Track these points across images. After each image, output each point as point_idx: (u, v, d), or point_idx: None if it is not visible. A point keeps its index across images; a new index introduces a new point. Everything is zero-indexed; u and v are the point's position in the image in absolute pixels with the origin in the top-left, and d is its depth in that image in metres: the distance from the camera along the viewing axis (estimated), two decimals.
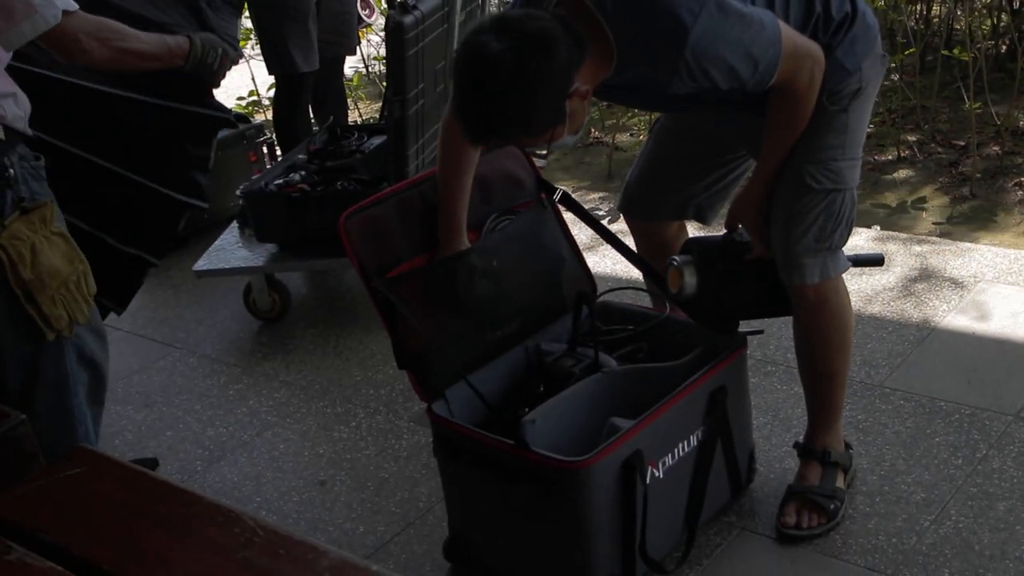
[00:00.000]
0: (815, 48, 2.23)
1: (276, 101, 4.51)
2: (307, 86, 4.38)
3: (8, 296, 2.22)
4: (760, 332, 2.68)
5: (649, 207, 2.74)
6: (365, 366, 3.51)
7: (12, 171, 2.20)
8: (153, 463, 2.99)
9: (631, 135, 5.23)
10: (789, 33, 2.18)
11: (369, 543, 2.68)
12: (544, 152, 2.35)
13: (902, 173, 4.44)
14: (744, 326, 2.60)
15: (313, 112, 4.70)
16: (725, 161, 2.64)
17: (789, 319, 2.54)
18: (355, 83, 6.03)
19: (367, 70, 6.48)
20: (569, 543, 2.27)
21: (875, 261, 2.80)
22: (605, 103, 4.92)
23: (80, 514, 1.83)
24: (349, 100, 5.89)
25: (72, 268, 2.28)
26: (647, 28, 2.09)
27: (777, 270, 2.43)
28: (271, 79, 4.61)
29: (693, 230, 2.87)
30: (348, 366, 3.53)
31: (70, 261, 2.28)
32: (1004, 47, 4.92)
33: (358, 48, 6.04)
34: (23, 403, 2.34)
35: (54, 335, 2.27)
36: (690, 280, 2.46)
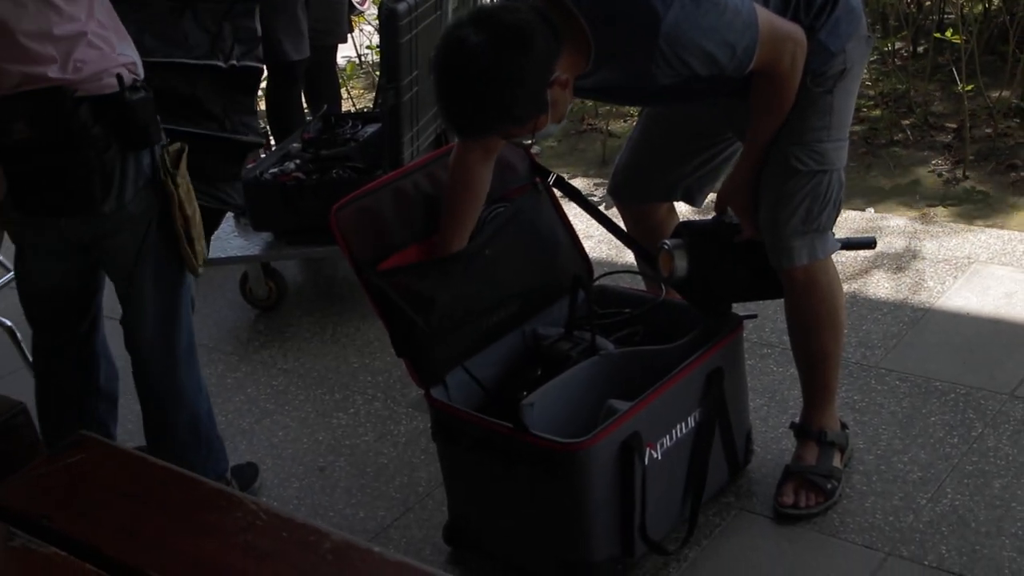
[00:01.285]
0: (796, 30, 2.24)
1: (269, 91, 4.50)
2: (299, 75, 4.38)
3: (168, 233, 2.38)
4: (754, 317, 2.70)
5: (638, 190, 2.75)
6: (362, 353, 3.52)
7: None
8: (254, 470, 2.93)
9: (625, 121, 5.23)
10: (767, 16, 2.19)
11: (369, 528, 2.69)
12: (529, 142, 2.37)
13: (895, 156, 4.45)
14: (738, 310, 2.61)
15: (307, 101, 4.69)
16: (713, 143, 2.65)
17: (783, 301, 2.56)
18: (349, 72, 6.02)
19: (360, 59, 6.47)
20: (569, 525, 2.28)
21: (867, 244, 2.81)
22: None
23: (83, 500, 1.84)
24: (343, 89, 5.90)
25: (194, 207, 2.43)
26: (620, 19, 2.12)
27: (767, 252, 2.45)
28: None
29: (684, 213, 2.89)
30: (345, 353, 3.54)
31: (191, 200, 2.42)
32: (995, 30, 4.92)
33: (351, 37, 6.05)
34: (165, 352, 2.52)
35: (197, 273, 2.46)
36: (680, 263, 2.47)
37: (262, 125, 4.62)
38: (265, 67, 4.46)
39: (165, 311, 2.48)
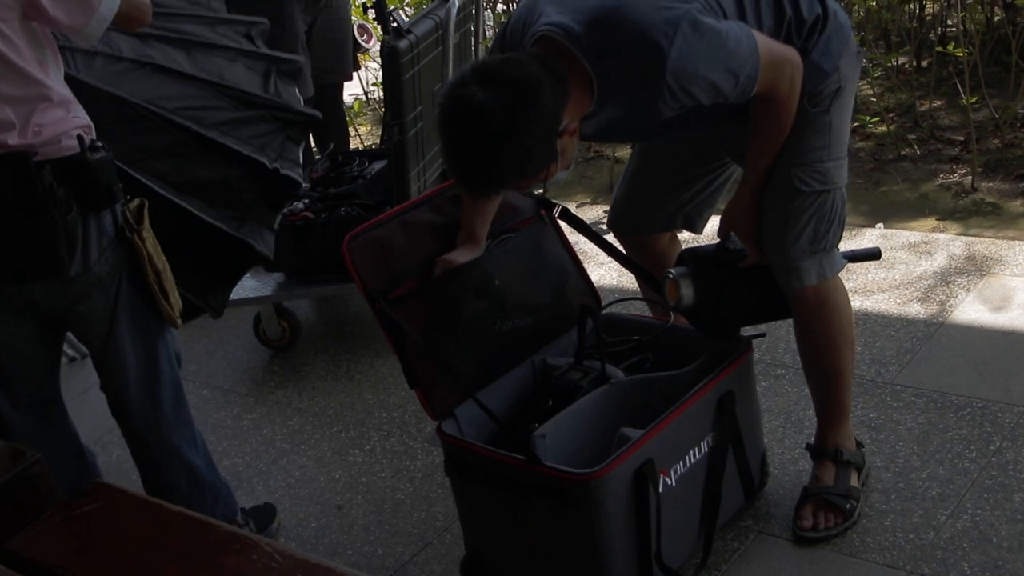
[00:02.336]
0: (792, 53, 2.24)
1: None
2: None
3: (127, 295, 2.35)
4: (762, 335, 2.69)
5: (639, 222, 2.75)
6: (377, 389, 3.53)
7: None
8: (272, 510, 2.93)
9: (631, 147, 5.24)
10: (765, 42, 2.19)
11: (388, 565, 2.69)
12: (540, 190, 2.38)
13: (904, 171, 4.45)
14: (746, 330, 2.61)
15: (314, 140, 4.72)
16: (711, 170, 2.65)
17: (792, 321, 2.56)
18: (355, 109, 6.06)
19: (367, 96, 6.51)
20: (585, 556, 2.27)
21: (872, 256, 2.80)
22: None
23: (99, 549, 1.84)
24: (350, 127, 5.93)
25: (163, 259, 2.40)
26: (625, 57, 2.11)
27: (773, 275, 2.45)
28: None
29: (686, 240, 2.89)
30: (360, 390, 3.55)
31: (159, 254, 2.40)
32: (998, 41, 4.92)
33: (357, 75, 6.09)
34: (152, 407, 2.48)
35: (176, 324, 2.42)
36: (687, 291, 2.47)
37: None
38: None
39: (147, 369, 2.44)
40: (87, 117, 2.28)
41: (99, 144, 2.25)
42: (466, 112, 2.03)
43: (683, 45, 2.07)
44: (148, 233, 2.33)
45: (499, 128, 2.01)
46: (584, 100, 2.16)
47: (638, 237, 2.78)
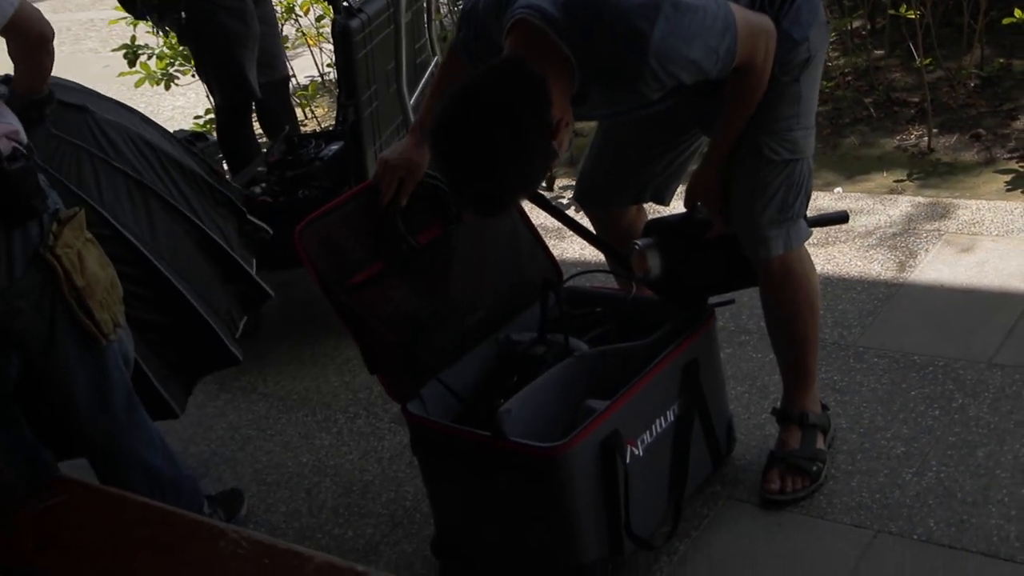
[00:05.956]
0: (767, 22, 2.24)
1: (224, 129, 4.43)
2: (251, 107, 4.37)
3: (64, 308, 2.26)
4: (731, 302, 2.70)
5: (605, 196, 2.74)
6: (342, 371, 3.51)
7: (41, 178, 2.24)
8: (240, 496, 2.91)
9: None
10: (742, 13, 2.18)
11: (359, 546, 2.68)
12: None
13: (861, 134, 4.47)
14: (714, 298, 2.61)
15: (264, 131, 4.68)
16: (678, 142, 2.64)
17: (758, 289, 2.57)
18: (311, 92, 6.01)
19: (322, 78, 6.46)
20: (554, 529, 2.28)
21: (839, 219, 2.82)
22: None
23: (65, 543, 1.83)
24: (306, 109, 5.89)
25: (106, 272, 2.34)
26: (606, 42, 2.09)
27: (740, 245, 2.45)
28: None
29: (652, 210, 2.88)
30: (325, 373, 3.53)
31: (103, 266, 2.34)
32: (950, 2, 4.94)
33: (312, 56, 6.05)
34: (103, 415, 2.42)
35: (106, 341, 2.33)
36: (654, 263, 2.47)
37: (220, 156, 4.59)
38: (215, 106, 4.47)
39: (94, 376, 2.36)
40: (15, 122, 2.22)
41: (20, 153, 2.16)
42: (464, 150, 2.02)
43: (665, 27, 2.04)
44: (66, 248, 2.23)
45: (502, 158, 2.00)
46: (566, 84, 2.12)
47: (605, 210, 2.77)
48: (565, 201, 4.35)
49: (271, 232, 3.12)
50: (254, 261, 3.06)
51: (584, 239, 2.73)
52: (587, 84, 2.15)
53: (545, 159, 2.09)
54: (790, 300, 2.51)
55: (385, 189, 2.43)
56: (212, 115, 5.94)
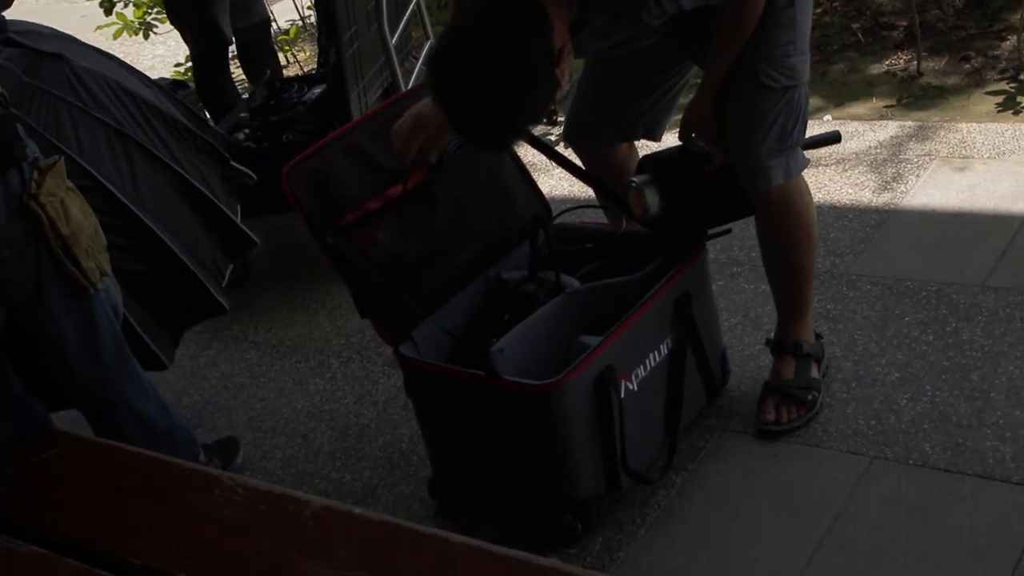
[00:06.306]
0: None
1: (202, 78, 4.37)
2: (227, 54, 4.31)
3: (50, 256, 2.23)
4: (728, 232, 2.66)
5: (596, 133, 2.70)
6: (333, 316, 3.50)
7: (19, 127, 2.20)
8: (235, 443, 2.90)
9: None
10: None
11: (357, 490, 2.68)
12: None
13: (849, 60, 4.42)
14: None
15: (246, 76, 4.62)
16: (668, 76, 2.60)
17: (750, 218, 2.54)
18: (293, 35, 5.93)
19: (303, 21, 6.37)
20: (550, 466, 2.28)
21: (832, 140, 2.78)
22: None
23: (60, 496, 1.82)
24: (288, 53, 5.81)
25: (88, 221, 2.31)
26: None
27: (737, 175, 2.42)
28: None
29: (645, 147, 2.85)
30: (317, 318, 3.52)
31: (85, 214, 2.31)
32: None
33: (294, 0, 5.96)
34: (93, 364, 2.40)
35: (94, 289, 2.30)
36: (652, 200, 2.43)
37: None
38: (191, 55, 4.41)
39: (83, 326, 2.34)
40: None
41: None
42: (464, 89, 1.99)
43: None
44: (50, 196, 2.20)
45: (502, 96, 1.97)
46: (565, 10, 2.09)
47: (596, 147, 2.73)
48: (553, 138, 4.31)
49: (255, 178, 3.08)
50: (239, 208, 3.02)
51: (575, 176, 2.70)
52: (586, 10, 2.12)
53: (549, 87, 2.05)
54: (789, 230, 2.48)
55: (405, 148, 2.36)
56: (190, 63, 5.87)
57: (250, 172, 3.08)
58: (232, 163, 3.04)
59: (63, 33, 2.89)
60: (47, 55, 2.66)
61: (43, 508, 1.80)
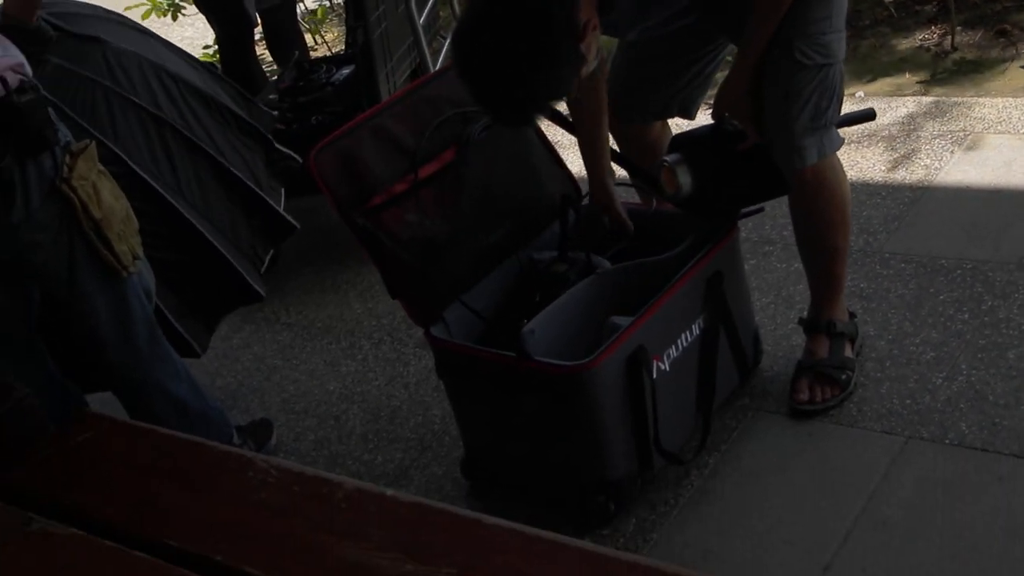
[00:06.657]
0: None
1: (228, 61, 4.36)
2: (252, 36, 4.31)
3: (83, 239, 2.26)
4: (760, 211, 2.64)
5: (632, 112, 2.67)
6: (364, 298, 3.50)
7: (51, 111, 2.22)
8: (269, 425, 2.92)
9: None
10: None
11: (389, 471, 2.69)
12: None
13: (882, 35, 4.37)
14: None
15: (273, 58, 4.62)
16: (704, 53, 2.57)
17: (782, 197, 2.52)
18: (320, 16, 5.93)
19: (331, 2, 6.37)
20: (582, 447, 2.27)
21: (867, 117, 2.74)
22: None
23: (95, 477, 1.83)
24: (316, 35, 5.81)
25: (120, 204, 2.33)
26: None
27: (771, 154, 2.39)
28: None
29: (678, 124, 2.83)
30: (348, 300, 3.52)
31: (116, 198, 2.32)
32: None
33: None
34: (126, 347, 2.42)
35: (126, 272, 2.32)
36: (685, 179, 2.40)
37: None
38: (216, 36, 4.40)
39: (115, 308, 2.36)
40: (19, 55, 2.18)
41: (28, 85, 2.14)
42: (486, 63, 1.98)
43: None
44: (82, 180, 2.22)
45: (526, 70, 1.95)
46: None
47: (629, 126, 2.71)
48: None
49: (299, 160, 3.06)
50: (283, 191, 3.02)
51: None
52: None
53: (573, 63, 2.03)
54: (823, 209, 2.46)
55: None
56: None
57: (294, 154, 3.07)
58: (276, 145, 3.03)
59: (107, 12, 2.88)
60: (83, 38, 2.66)
61: (78, 490, 1.81)
